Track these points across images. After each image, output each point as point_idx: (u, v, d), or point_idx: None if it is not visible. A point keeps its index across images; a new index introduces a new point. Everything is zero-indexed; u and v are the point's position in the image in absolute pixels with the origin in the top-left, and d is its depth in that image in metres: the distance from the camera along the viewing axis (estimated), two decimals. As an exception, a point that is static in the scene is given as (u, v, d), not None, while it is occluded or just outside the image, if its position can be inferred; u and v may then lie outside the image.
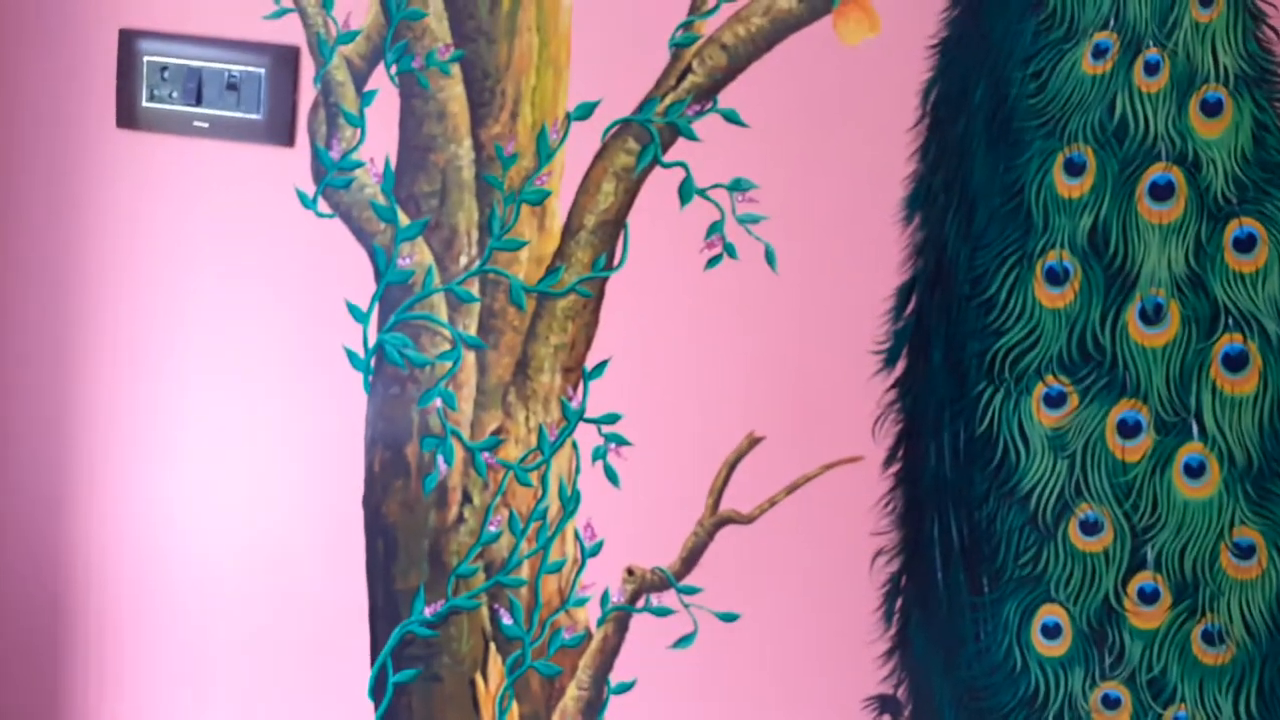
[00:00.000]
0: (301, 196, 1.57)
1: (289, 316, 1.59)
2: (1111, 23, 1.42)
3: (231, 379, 1.60)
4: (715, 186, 1.49)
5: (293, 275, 1.58)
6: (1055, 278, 1.46)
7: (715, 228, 1.50)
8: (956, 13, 1.44)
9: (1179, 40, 1.41)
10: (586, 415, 1.55)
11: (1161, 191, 1.44)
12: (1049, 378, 1.47)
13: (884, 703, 1.56)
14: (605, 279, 1.53)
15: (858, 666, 1.55)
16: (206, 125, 1.58)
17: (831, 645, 1.55)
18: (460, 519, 1.59)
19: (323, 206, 1.56)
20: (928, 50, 1.45)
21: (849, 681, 1.56)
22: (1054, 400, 1.48)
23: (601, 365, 1.54)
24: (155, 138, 1.57)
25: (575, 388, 1.55)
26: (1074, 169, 1.45)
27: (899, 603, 1.53)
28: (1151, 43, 1.41)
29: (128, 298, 1.60)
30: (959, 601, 1.52)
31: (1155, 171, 1.44)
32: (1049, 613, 1.50)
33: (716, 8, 1.47)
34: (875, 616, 1.55)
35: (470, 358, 1.57)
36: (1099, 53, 1.42)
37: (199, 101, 1.57)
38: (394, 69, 1.53)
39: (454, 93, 1.52)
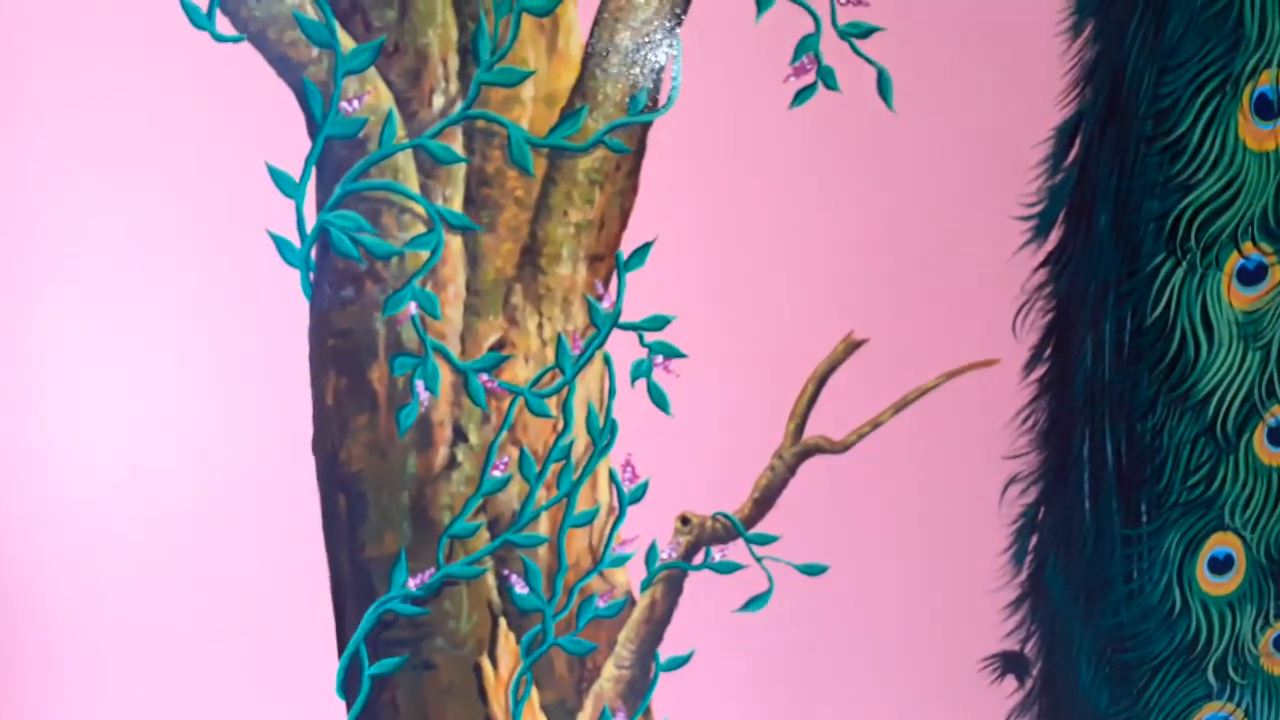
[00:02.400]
0: (189, 9, 1.05)
1: (181, 189, 1.09)
2: None
3: (101, 286, 1.11)
4: (808, -15, 1.03)
5: (182, 128, 1.08)
6: (1268, 110, 1.07)
7: (807, 44, 1.05)
8: None
9: None
10: (623, 319, 1.12)
11: None
12: (1247, 246, 1.10)
13: (1008, 661, 1.23)
14: (647, 126, 1.07)
15: (976, 620, 1.22)
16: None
17: (945, 598, 1.21)
18: (452, 463, 1.16)
19: (222, 24, 1.05)
20: None
21: (965, 638, 1.22)
22: (1251, 275, 1.12)
23: (643, 250, 1.12)
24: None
25: (606, 282, 1.11)
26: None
27: (1034, 540, 1.19)
28: None
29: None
30: (1109, 535, 1.18)
31: None
32: (1220, 542, 1.18)
33: None
34: (1002, 560, 1.20)
35: (456, 244, 1.11)
36: None
37: None
38: None
39: None
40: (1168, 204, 1.12)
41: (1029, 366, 1.17)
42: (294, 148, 1.10)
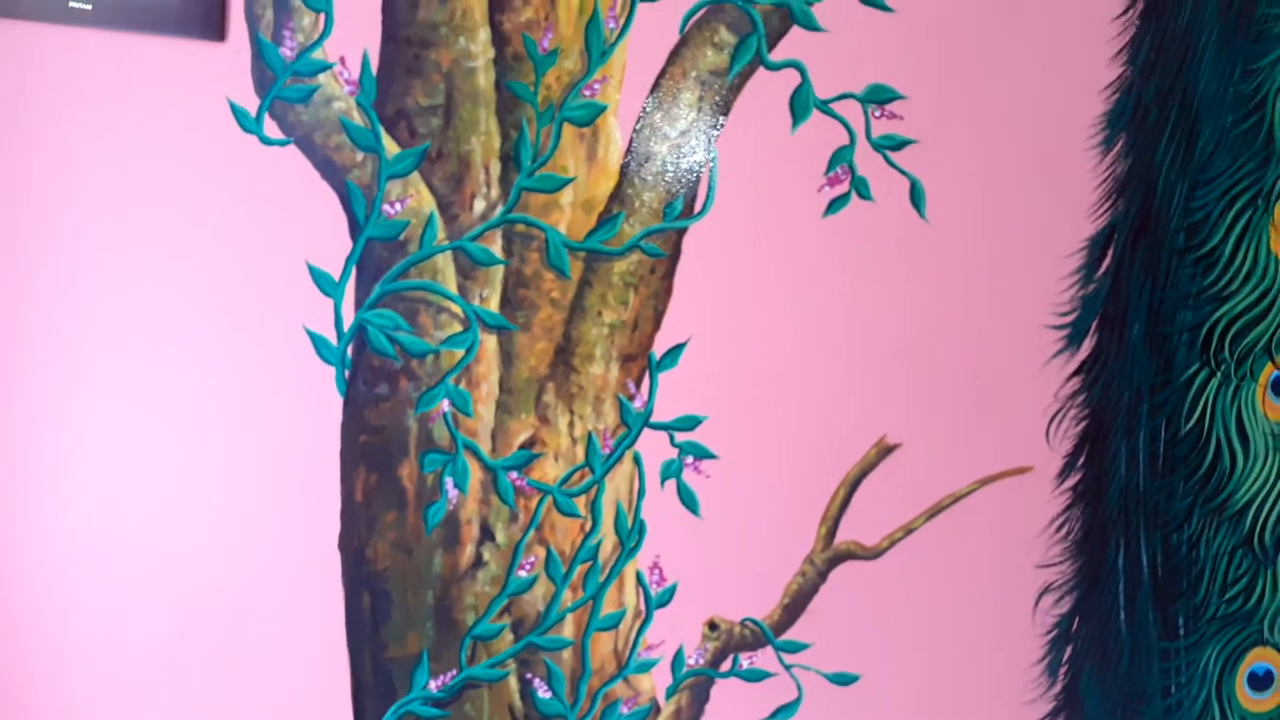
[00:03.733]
0: (239, 114, 1.08)
1: (223, 286, 1.11)
2: None
3: (140, 374, 1.14)
4: (843, 97, 1.06)
5: (227, 228, 1.10)
6: (1300, 222, 1.07)
7: (841, 156, 1.06)
8: None
9: None
10: (654, 419, 1.12)
11: None
12: (1281, 358, 1.09)
13: (1043, 777, 1.19)
14: (683, 231, 1.09)
15: (1010, 734, 1.18)
16: (88, 7, 1.06)
17: (979, 709, 1.17)
18: (478, 562, 1.15)
19: (271, 129, 1.07)
20: (1148, -96, 1.02)
21: (998, 753, 1.18)
22: (1285, 387, 1.10)
23: (675, 351, 1.11)
24: (6, 27, 1.06)
25: (639, 382, 1.11)
26: (1336, 72, 1.04)
27: (1069, 651, 1.17)
28: None
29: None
30: (1146, 647, 1.16)
31: None
32: (1260, 658, 1.16)
33: None
34: (1037, 670, 1.18)
35: (491, 343, 1.11)
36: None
37: (75, -28, 1.06)
38: (373, -76, 1.03)
39: (463, -40, 1.04)
40: (1201, 315, 1.12)
41: (1063, 475, 1.16)
42: (335, 248, 1.12)
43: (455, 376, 1.14)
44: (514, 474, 1.15)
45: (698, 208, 1.11)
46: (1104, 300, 1.13)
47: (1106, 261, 1.12)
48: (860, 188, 1.10)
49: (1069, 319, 1.13)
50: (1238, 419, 1.14)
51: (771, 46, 1.07)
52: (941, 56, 1.07)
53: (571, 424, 1.15)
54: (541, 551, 1.17)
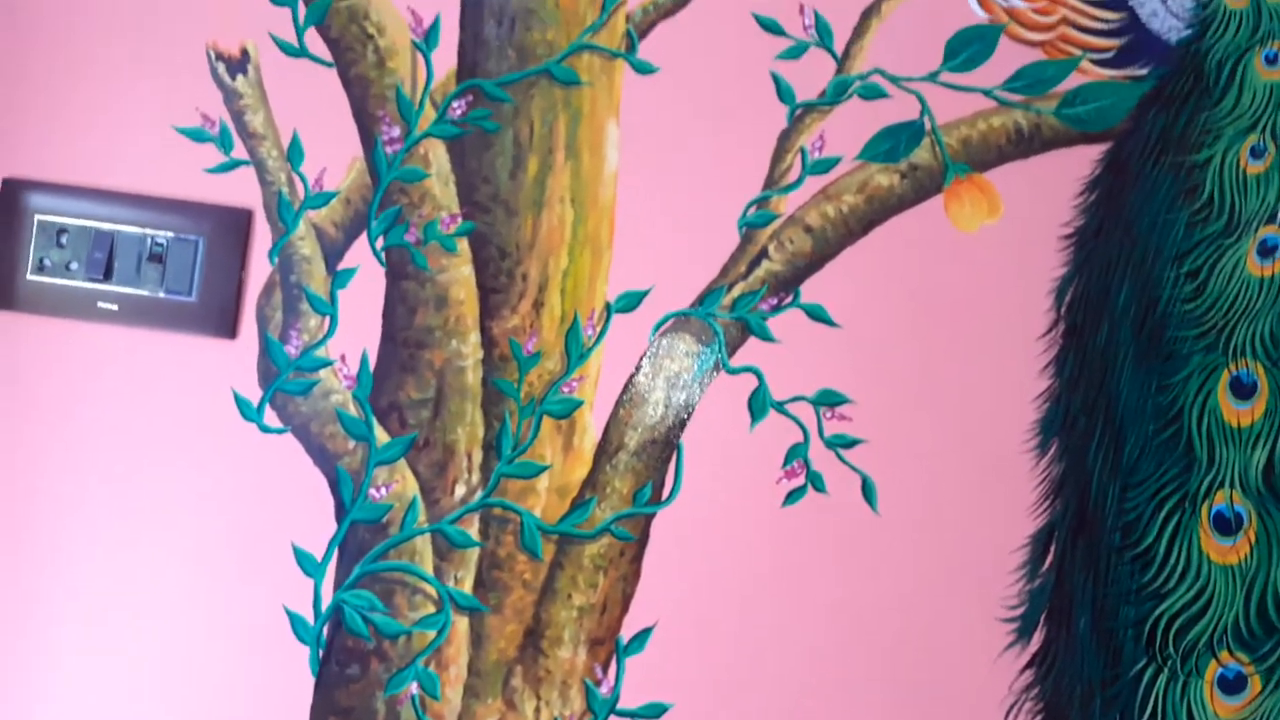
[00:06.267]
0: (242, 405, 1.17)
1: (210, 562, 1.16)
2: (1280, 215, 1.17)
3: (117, 642, 1.14)
4: (797, 399, 1.16)
5: (221, 507, 1.16)
6: (1226, 526, 1.15)
7: (796, 452, 1.15)
8: (1093, 197, 1.18)
9: (1360, 238, 1.16)
10: (620, 706, 1.14)
11: (1347, 420, 1.15)
12: (1224, 655, 1.13)
13: None
14: (650, 517, 1.15)
15: None
16: (115, 308, 1.18)
17: None
18: None
19: (270, 419, 1.16)
20: (1060, 241, 1.17)
21: None
22: (1231, 684, 1.14)
23: (643, 635, 1.15)
24: (40, 322, 1.16)
25: (605, 666, 1.14)
26: (1242, 391, 1.16)
27: None
28: (1329, 240, 1.16)
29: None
30: None
31: (1341, 396, 1.16)
32: None
33: (800, 181, 1.17)
34: None
35: (462, 625, 1.15)
36: (1266, 250, 1.17)
37: (108, 276, 1.18)
38: (380, 242, 1.17)
39: (460, 274, 1.17)
40: (1143, 611, 1.17)
41: (1022, 771, 1.17)
42: (321, 529, 1.18)
43: (425, 658, 1.17)
44: (478, 760, 1.16)
45: (665, 494, 1.18)
46: (1050, 595, 1.18)
47: (1050, 557, 1.18)
48: (815, 481, 1.18)
49: (1018, 612, 1.18)
50: (1188, 715, 1.16)
51: (731, 354, 1.19)
52: (885, 366, 1.18)
53: (538, 709, 1.17)
54: (502, 845, 1.15)
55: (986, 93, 1.19)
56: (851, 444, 1.17)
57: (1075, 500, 1.18)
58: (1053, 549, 1.18)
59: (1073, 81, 1.19)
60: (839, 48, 1.18)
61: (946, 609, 1.16)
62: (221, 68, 1.19)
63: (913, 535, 1.17)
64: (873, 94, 1.19)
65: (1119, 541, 1.17)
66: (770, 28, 1.19)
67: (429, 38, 1.18)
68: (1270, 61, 1.20)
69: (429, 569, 1.17)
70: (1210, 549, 1.17)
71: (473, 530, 1.17)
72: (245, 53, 1.19)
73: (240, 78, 1.19)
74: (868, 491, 1.17)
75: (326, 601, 1.17)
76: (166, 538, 1.18)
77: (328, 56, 1.19)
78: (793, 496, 1.17)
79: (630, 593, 1.17)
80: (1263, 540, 1.16)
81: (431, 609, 1.16)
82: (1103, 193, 1.19)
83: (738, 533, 1.17)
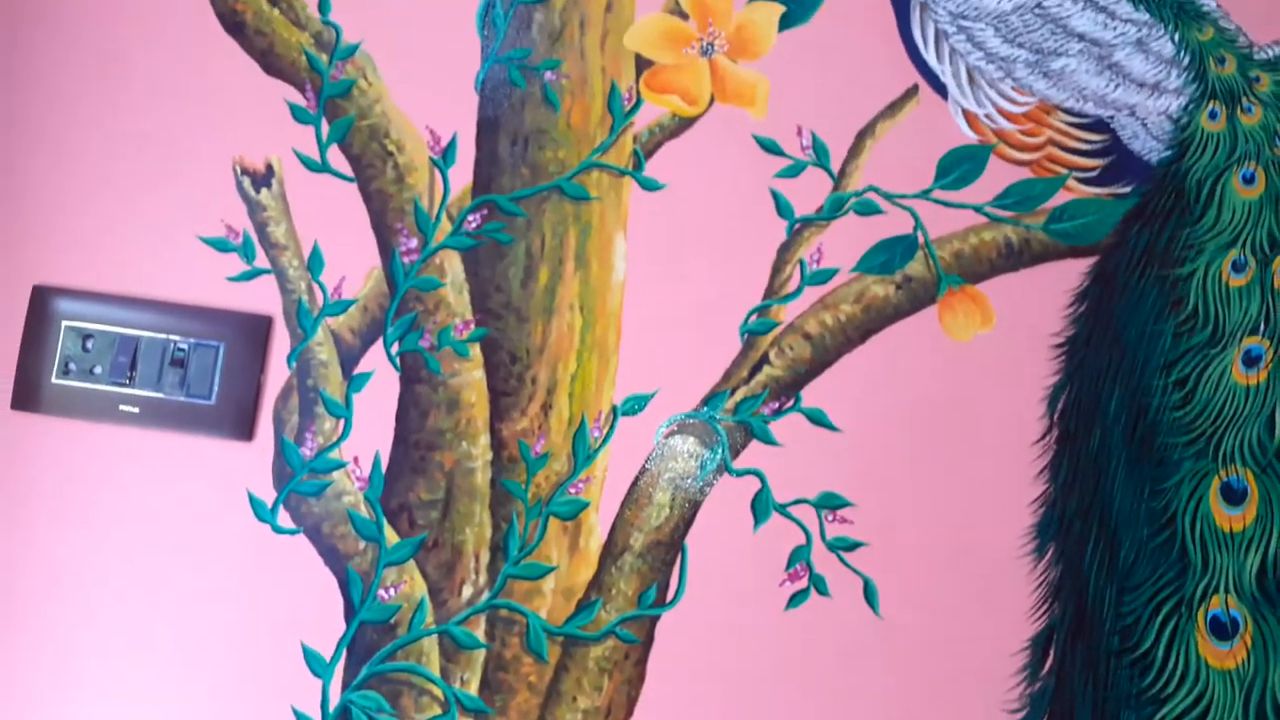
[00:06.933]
0: (256, 505, 1.20)
1: (221, 659, 1.17)
2: (1263, 327, 1.21)
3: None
4: (799, 502, 1.18)
5: (232, 610, 1.18)
6: (1222, 631, 1.16)
7: (799, 554, 1.18)
8: (1083, 308, 1.22)
9: (1341, 348, 1.20)
10: (625, 809, 1.14)
11: (1337, 525, 1.18)
12: (1226, 760, 1.13)
13: None
14: (656, 619, 1.17)
15: None
16: (137, 410, 1.21)
17: None
18: None
19: (284, 519, 1.19)
20: (1051, 350, 1.21)
21: None
22: (1234, 791, 1.14)
23: (647, 738, 1.15)
24: (64, 425, 1.20)
25: (610, 769, 1.15)
26: (1233, 496, 1.19)
27: None
28: (1310, 350, 1.20)
29: (13, 631, 1.17)
30: None
31: (1329, 501, 1.18)
32: None
33: (799, 291, 1.22)
34: None
35: (468, 725, 1.16)
36: (1251, 360, 1.21)
37: (131, 380, 1.21)
38: (395, 347, 1.22)
39: (471, 378, 1.21)
40: (1144, 715, 1.18)
41: None
42: (330, 629, 1.20)
43: (431, 760, 1.17)
44: None
45: (670, 596, 1.20)
46: (1050, 699, 1.19)
47: (1050, 661, 1.20)
48: (818, 584, 1.20)
49: (1019, 716, 1.19)
50: (1195, 824, 1.16)
51: (735, 456, 1.22)
52: (885, 470, 1.21)
53: (542, 813, 1.17)
54: None
55: (977, 209, 1.24)
56: (853, 546, 1.20)
57: (1073, 604, 1.20)
58: (1052, 652, 1.19)
59: (1060, 198, 1.25)
60: (835, 166, 1.24)
61: (949, 713, 1.17)
62: (247, 181, 1.25)
63: (914, 638, 1.18)
64: (868, 210, 1.24)
65: (1117, 645, 1.19)
66: (769, 148, 1.25)
67: (446, 155, 1.25)
68: (1247, 181, 1.26)
69: (435, 670, 1.18)
70: (1208, 653, 1.18)
71: (479, 631, 1.19)
72: (270, 167, 1.25)
73: (264, 191, 1.24)
74: (869, 594, 1.19)
75: (334, 702, 1.18)
76: (179, 635, 1.19)
77: (349, 171, 1.24)
78: (796, 599, 1.19)
79: (635, 696, 1.18)
80: (1259, 645, 1.18)
81: (437, 710, 1.17)
82: (1091, 304, 1.24)
83: (742, 635, 1.19)
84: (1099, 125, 1.28)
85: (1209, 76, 1.28)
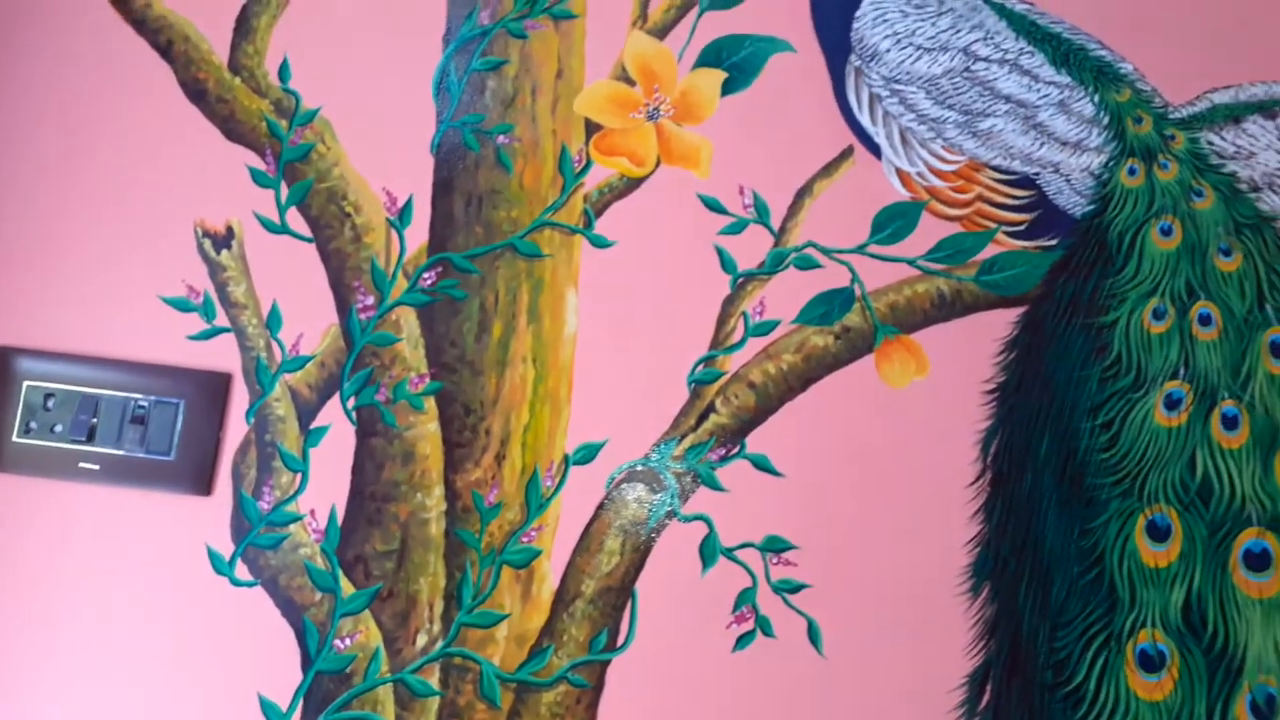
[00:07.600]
0: (214, 558, 1.22)
1: (179, 716, 1.18)
2: (1182, 372, 1.27)
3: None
4: (745, 546, 1.23)
5: (190, 661, 1.20)
6: (1150, 663, 1.21)
7: (745, 597, 1.22)
8: (1014, 356, 1.28)
9: (1255, 393, 1.26)
10: None
11: (1257, 561, 1.24)
12: (1161, 794, 1.18)
13: None
14: (606, 664, 1.20)
15: None
16: (96, 468, 1.24)
17: None
18: None
19: (241, 572, 1.21)
20: (984, 395, 1.27)
21: None
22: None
23: (599, 781, 1.18)
24: (24, 483, 1.22)
25: (564, 813, 1.17)
26: (1157, 534, 1.24)
27: None
28: (1227, 394, 1.26)
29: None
30: None
31: (1248, 538, 1.24)
32: None
33: (743, 342, 1.27)
34: None
35: (424, 772, 1.18)
36: (1172, 403, 1.27)
37: (90, 438, 1.24)
38: (352, 401, 1.25)
39: (426, 430, 1.24)
40: (1080, 751, 1.22)
41: None
42: (287, 680, 1.22)
43: (387, 807, 1.19)
44: None
45: (620, 641, 1.24)
46: (989, 733, 1.23)
47: (986, 697, 1.24)
48: (764, 626, 1.24)
49: (960, 752, 1.23)
50: None
51: (683, 502, 1.26)
52: (827, 513, 1.26)
53: None
54: None
55: (911, 262, 1.30)
56: (797, 589, 1.24)
57: (1008, 640, 1.24)
58: (989, 688, 1.23)
59: (989, 251, 1.31)
60: (776, 223, 1.30)
61: (892, 749, 1.21)
62: (208, 243, 1.29)
63: (856, 677, 1.22)
64: (807, 264, 1.30)
65: (1051, 679, 1.23)
66: (713, 206, 1.31)
67: (402, 216, 1.29)
68: (1165, 233, 1.33)
69: (390, 718, 1.21)
70: (1137, 686, 1.23)
71: (433, 679, 1.22)
72: (230, 229, 1.29)
73: (225, 252, 1.28)
74: (813, 634, 1.23)
75: (291, 752, 1.20)
76: (137, 687, 1.21)
77: (307, 232, 1.29)
78: (742, 641, 1.23)
79: (587, 738, 1.21)
80: (1185, 677, 1.22)
81: (393, 757, 1.19)
82: (1021, 351, 1.30)
83: (690, 678, 1.22)
84: (1026, 182, 1.35)
85: (1128, 135, 1.35)
